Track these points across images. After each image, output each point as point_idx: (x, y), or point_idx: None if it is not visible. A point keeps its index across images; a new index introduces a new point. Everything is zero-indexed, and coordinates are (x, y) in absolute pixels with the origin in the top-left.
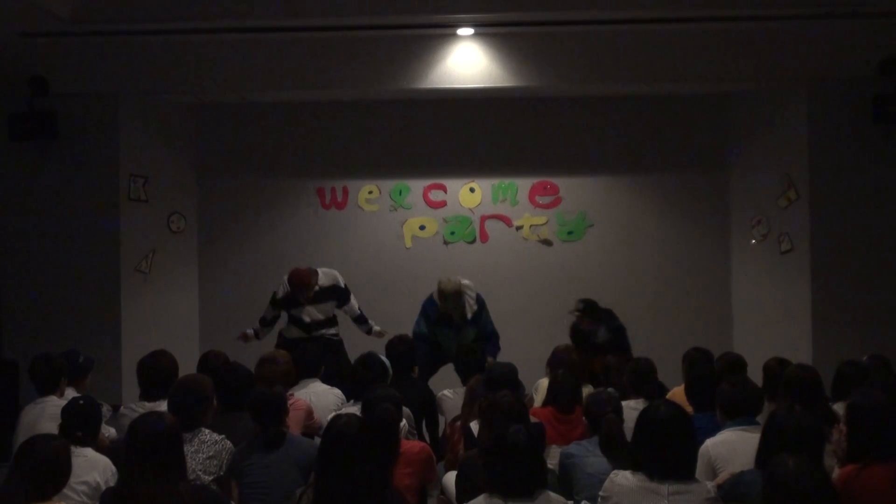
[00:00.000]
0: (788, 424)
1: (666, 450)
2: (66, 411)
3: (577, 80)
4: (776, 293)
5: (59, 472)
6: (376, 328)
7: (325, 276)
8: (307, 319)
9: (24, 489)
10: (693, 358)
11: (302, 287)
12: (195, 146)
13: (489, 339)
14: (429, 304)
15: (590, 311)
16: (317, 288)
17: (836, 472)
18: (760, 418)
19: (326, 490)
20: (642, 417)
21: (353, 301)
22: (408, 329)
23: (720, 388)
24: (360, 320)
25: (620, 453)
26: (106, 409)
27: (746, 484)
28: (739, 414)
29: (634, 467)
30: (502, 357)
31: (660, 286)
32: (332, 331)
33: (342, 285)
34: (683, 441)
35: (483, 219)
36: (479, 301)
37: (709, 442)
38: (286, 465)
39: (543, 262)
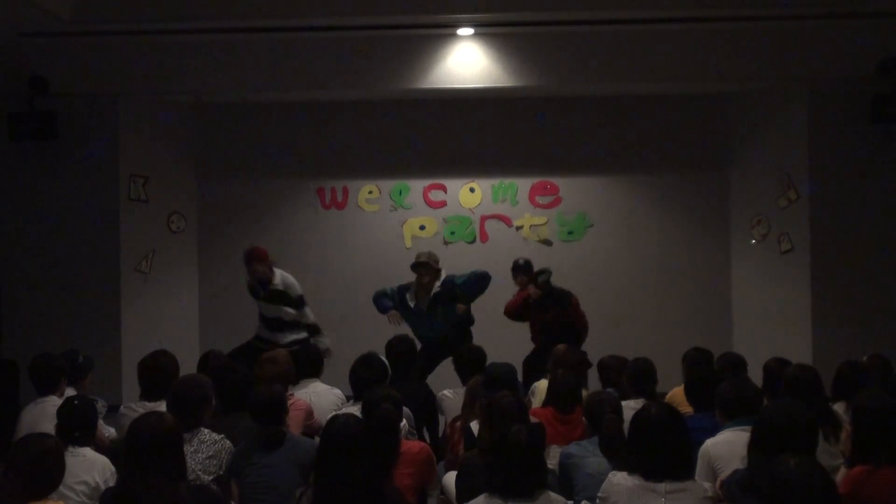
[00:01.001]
0: (779, 420)
1: (659, 450)
2: (61, 412)
3: (577, 80)
4: (776, 293)
5: (52, 471)
6: (325, 343)
7: (282, 279)
8: (266, 315)
9: (18, 488)
10: (693, 358)
11: (251, 260)
12: (195, 146)
13: (470, 281)
14: (403, 287)
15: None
16: (273, 286)
17: (843, 472)
18: None
19: (325, 490)
20: (635, 419)
21: (307, 311)
22: (408, 330)
23: (720, 388)
24: (310, 331)
25: (620, 453)
26: (101, 406)
27: (738, 483)
28: (739, 414)
29: (630, 468)
30: (501, 357)
31: (660, 286)
32: (299, 335)
33: (293, 296)
34: (676, 441)
35: (483, 219)
36: (444, 286)
37: (709, 442)
38: (286, 465)
39: (543, 262)
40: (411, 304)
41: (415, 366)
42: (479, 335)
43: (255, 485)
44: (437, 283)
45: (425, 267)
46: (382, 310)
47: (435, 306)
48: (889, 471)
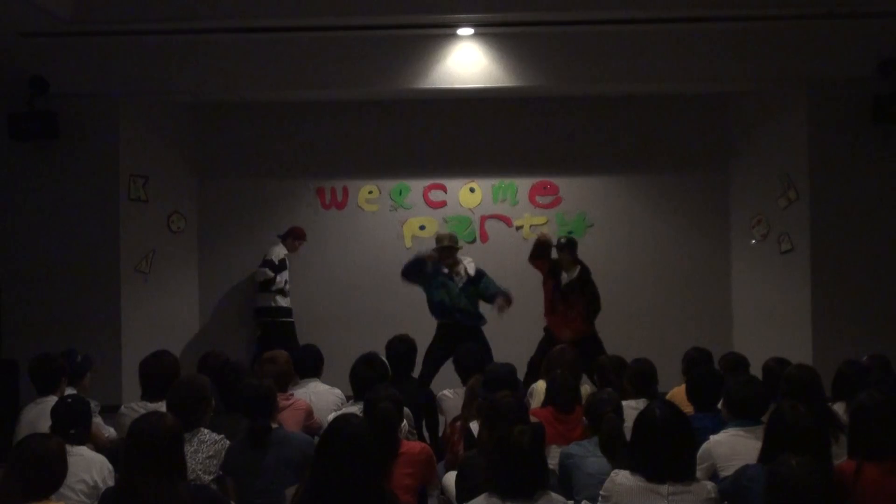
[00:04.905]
0: (792, 423)
1: (663, 451)
2: (55, 411)
3: (576, 80)
4: (776, 293)
5: (55, 471)
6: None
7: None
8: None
9: (20, 488)
10: (693, 358)
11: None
12: (195, 146)
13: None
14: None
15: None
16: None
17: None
18: (765, 418)
19: (320, 489)
20: (639, 419)
21: (264, 270)
22: (407, 329)
23: (726, 385)
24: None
25: (620, 453)
26: (94, 405)
27: (749, 478)
28: (744, 413)
29: (633, 468)
30: (502, 357)
31: (660, 286)
32: (270, 303)
33: (270, 258)
34: (680, 442)
35: (483, 219)
36: (479, 271)
37: (712, 441)
38: (279, 466)
39: None
40: (444, 271)
41: (414, 367)
42: None
43: (251, 488)
44: (468, 265)
45: (448, 251)
46: (416, 264)
47: (468, 286)
48: (869, 466)
